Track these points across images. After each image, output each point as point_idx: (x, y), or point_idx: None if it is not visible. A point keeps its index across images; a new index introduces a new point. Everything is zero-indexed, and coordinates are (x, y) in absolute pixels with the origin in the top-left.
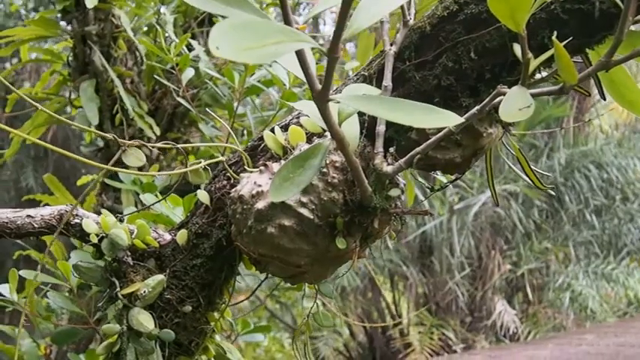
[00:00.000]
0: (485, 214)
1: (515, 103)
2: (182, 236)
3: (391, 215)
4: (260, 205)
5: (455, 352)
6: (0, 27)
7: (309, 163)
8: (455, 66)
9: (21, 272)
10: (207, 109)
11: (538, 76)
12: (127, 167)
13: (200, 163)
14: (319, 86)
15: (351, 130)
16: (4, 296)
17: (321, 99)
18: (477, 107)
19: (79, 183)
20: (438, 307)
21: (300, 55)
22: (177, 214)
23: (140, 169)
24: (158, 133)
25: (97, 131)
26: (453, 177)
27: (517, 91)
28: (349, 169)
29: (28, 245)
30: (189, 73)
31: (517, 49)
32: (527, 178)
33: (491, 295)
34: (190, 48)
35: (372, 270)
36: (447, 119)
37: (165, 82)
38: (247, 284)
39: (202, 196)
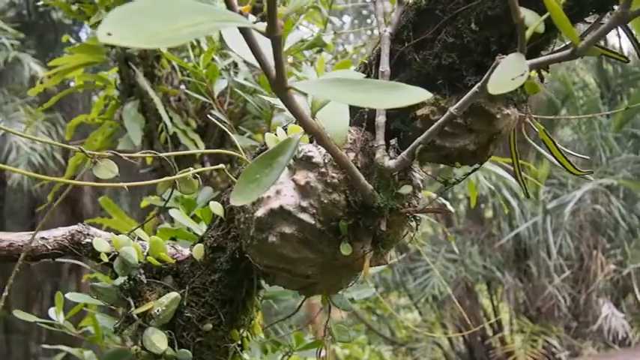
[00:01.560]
0: (583, 211)
1: (508, 72)
2: (198, 251)
3: (403, 216)
4: (259, 212)
5: None
6: None
7: (278, 160)
8: (456, 41)
9: (67, 295)
10: (256, 121)
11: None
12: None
13: (189, 171)
14: (275, 74)
15: (336, 122)
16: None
17: (278, 87)
18: (478, 84)
19: (142, 205)
20: (539, 313)
21: (249, 39)
22: (203, 228)
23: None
24: (203, 148)
25: (61, 144)
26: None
27: (512, 59)
28: (349, 167)
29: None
30: (221, 85)
31: (524, 13)
32: (557, 162)
33: (595, 298)
34: (226, 58)
35: (466, 277)
36: (413, 96)
37: (197, 96)
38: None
39: (215, 207)
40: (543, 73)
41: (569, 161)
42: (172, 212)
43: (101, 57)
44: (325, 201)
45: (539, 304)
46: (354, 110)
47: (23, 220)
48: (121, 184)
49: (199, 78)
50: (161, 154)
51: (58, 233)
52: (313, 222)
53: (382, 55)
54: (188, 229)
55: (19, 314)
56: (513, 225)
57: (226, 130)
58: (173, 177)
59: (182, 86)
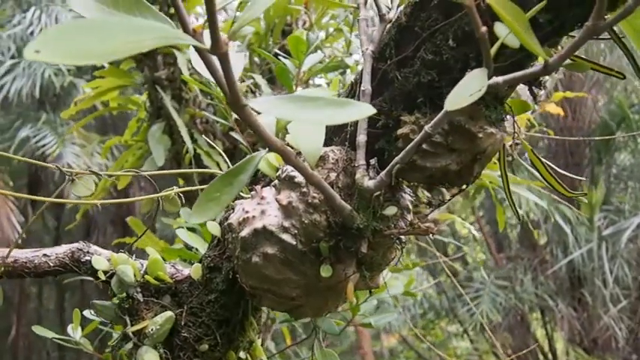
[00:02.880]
0: None
1: (467, 87)
2: (196, 271)
3: (388, 237)
4: (244, 232)
5: None
6: None
7: (239, 179)
8: (435, 58)
9: (85, 312)
10: None
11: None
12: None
13: (172, 189)
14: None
15: (309, 142)
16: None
17: (234, 105)
18: None
19: (175, 227)
20: (594, 345)
21: (203, 57)
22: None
23: None
24: (225, 168)
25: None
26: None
27: (475, 74)
28: (321, 187)
29: None
30: None
31: (500, 29)
32: (546, 183)
33: None
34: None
35: (516, 304)
36: (361, 111)
37: (215, 118)
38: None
39: (212, 227)
40: (598, 96)
41: (559, 182)
42: (178, 232)
43: (131, 80)
44: (306, 221)
45: (595, 334)
46: (339, 130)
47: (79, 240)
48: (95, 201)
49: (220, 100)
50: (141, 172)
51: (60, 250)
52: (294, 242)
53: (364, 74)
54: (189, 248)
55: (37, 330)
56: (567, 252)
57: (221, 152)
58: (156, 195)
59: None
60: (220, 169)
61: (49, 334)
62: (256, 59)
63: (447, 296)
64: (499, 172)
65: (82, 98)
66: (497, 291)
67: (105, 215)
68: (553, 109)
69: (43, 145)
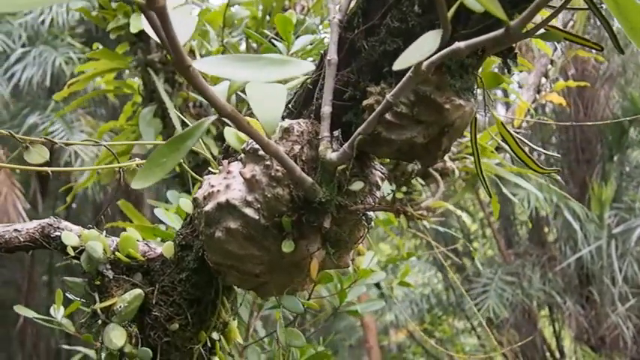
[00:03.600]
0: None
1: (419, 48)
2: (168, 249)
3: (353, 213)
4: (208, 207)
5: None
6: None
7: (186, 144)
8: (401, 26)
9: (68, 294)
10: None
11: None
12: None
13: (135, 161)
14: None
15: (268, 110)
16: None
17: (179, 65)
18: (411, 70)
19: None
20: (602, 343)
21: (146, 15)
22: None
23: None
24: (216, 152)
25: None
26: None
27: (429, 35)
28: (279, 157)
29: None
30: None
31: None
32: (518, 159)
33: None
34: None
35: (523, 300)
36: (297, 69)
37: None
38: (405, 318)
39: (185, 205)
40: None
41: (531, 158)
42: (156, 211)
43: (125, 63)
44: (269, 195)
45: (603, 333)
46: (309, 103)
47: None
48: (46, 168)
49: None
50: (101, 143)
51: (31, 226)
52: (257, 217)
53: (330, 43)
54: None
55: (19, 309)
56: (576, 249)
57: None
58: (116, 165)
59: None
60: (211, 153)
61: (31, 313)
62: (254, 44)
63: (454, 291)
64: (496, 160)
65: (74, 81)
66: (504, 287)
67: (113, 203)
68: (555, 98)
69: (52, 132)
